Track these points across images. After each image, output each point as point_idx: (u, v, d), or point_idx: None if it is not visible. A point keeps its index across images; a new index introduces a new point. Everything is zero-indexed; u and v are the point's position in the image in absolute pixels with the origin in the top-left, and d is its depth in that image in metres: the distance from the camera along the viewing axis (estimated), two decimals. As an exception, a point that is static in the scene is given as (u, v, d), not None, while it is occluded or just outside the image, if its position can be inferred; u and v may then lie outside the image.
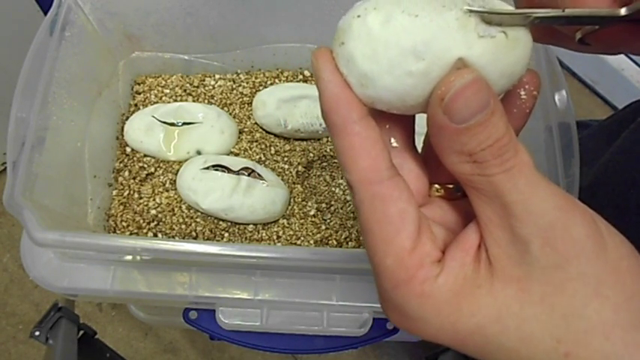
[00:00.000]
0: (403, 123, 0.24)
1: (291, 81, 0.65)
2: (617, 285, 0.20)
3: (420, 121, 0.24)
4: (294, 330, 0.48)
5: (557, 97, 0.45)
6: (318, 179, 0.61)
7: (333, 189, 0.60)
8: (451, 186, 0.25)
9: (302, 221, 0.57)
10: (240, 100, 0.63)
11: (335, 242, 0.56)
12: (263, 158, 0.60)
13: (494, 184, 0.20)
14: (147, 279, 0.45)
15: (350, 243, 0.57)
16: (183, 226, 0.56)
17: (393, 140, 0.24)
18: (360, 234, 0.56)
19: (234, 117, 0.62)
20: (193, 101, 0.63)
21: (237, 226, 0.56)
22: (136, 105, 0.63)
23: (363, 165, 0.21)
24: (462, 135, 0.20)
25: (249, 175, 0.56)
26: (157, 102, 0.63)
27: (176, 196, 0.57)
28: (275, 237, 0.56)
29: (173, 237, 0.55)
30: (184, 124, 0.59)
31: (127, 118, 0.61)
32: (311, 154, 0.61)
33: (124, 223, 0.56)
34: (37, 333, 0.51)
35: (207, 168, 0.55)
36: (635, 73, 1.14)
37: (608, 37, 0.24)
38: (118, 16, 0.57)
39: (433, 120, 0.20)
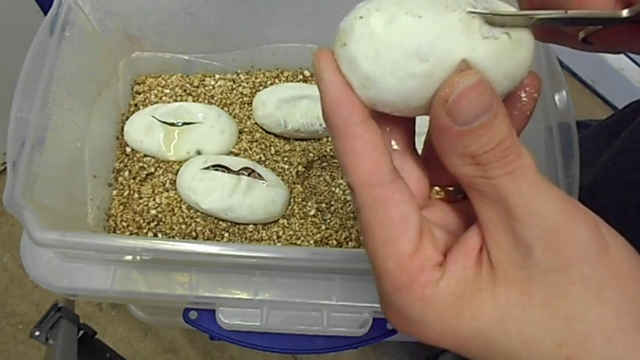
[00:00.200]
0: (404, 125, 0.24)
1: (291, 81, 0.65)
2: (618, 288, 0.20)
3: (420, 122, 0.24)
4: (294, 330, 0.48)
5: (557, 98, 0.45)
6: (318, 179, 0.61)
7: (333, 189, 0.60)
8: (451, 188, 0.25)
9: (302, 221, 0.57)
10: (240, 100, 0.63)
11: (335, 242, 0.56)
12: (263, 158, 0.60)
13: (496, 186, 0.20)
14: (147, 279, 0.45)
15: (350, 243, 0.57)
16: (183, 226, 0.56)
17: (393, 142, 0.24)
18: (361, 236, 0.56)
19: (234, 117, 0.62)
20: (193, 101, 0.63)
21: (237, 226, 0.56)
22: (136, 105, 0.63)
23: (364, 168, 0.21)
24: (464, 137, 0.19)
25: (249, 175, 0.56)
26: (157, 102, 0.63)
27: (176, 196, 0.57)
28: (275, 237, 0.56)
29: (173, 237, 0.55)
30: (184, 124, 0.59)
31: (127, 118, 0.61)
32: (311, 154, 0.61)
33: (124, 223, 0.56)
34: (37, 333, 0.51)
35: (207, 168, 0.55)
36: (635, 73, 1.14)
37: (610, 37, 0.24)
38: (118, 16, 0.57)
39: (436, 122, 0.20)
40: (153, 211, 0.56)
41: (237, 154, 0.60)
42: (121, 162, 0.60)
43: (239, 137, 0.61)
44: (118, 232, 0.56)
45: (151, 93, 0.63)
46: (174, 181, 0.58)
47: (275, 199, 0.55)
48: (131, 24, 0.58)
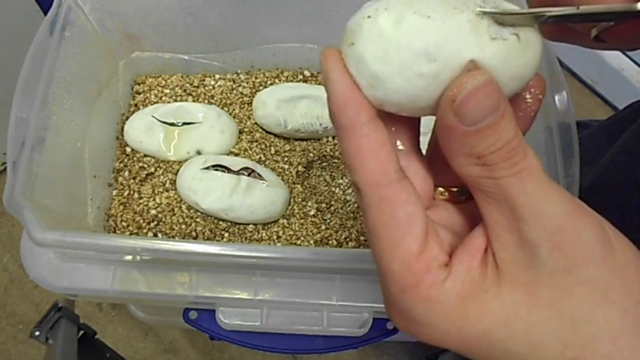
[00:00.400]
0: (409, 125, 0.24)
1: (291, 81, 0.65)
2: (624, 290, 0.20)
3: (423, 122, 0.24)
4: (294, 330, 0.48)
5: (557, 98, 0.45)
6: (318, 179, 0.61)
7: (333, 189, 0.60)
8: (455, 189, 0.25)
9: (302, 221, 0.57)
10: (240, 100, 0.63)
11: (335, 242, 0.56)
12: (263, 158, 0.60)
13: (502, 187, 0.20)
14: (147, 279, 0.45)
15: (350, 243, 0.57)
16: (183, 226, 0.56)
17: (399, 143, 0.23)
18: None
19: (234, 117, 0.62)
20: (193, 101, 0.63)
21: (237, 226, 0.56)
22: (136, 105, 0.63)
23: (370, 167, 0.20)
24: (471, 137, 0.19)
25: (249, 175, 0.56)
26: (157, 102, 0.63)
27: (176, 196, 0.57)
28: (275, 237, 0.56)
29: (173, 237, 0.55)
30: (184, 124, 0.59)
31: (127, 118, 0.61)
32: (311, 154, 0.61)
33: (124, 223, 0.56)
34: (37, 333, 0.51)
35: (207, 168, 0.55)
36: (635, 73, 1.14)
37: (623, 33, 0.24)
38: (118, 16, 0.57)
39: (443, 121, 0.20)
40: (153, 211, 0.56)
41: (237, 154, 0.60)
42: (121, 162, 0.60)
43: (239, 137, 0.61)
44: (118, 232, 0.56)
45: (151, 93, 0.63)
46: (174, 181, 0.58)
47: (275, 199, 0.55)
48: (131, 24, 0.58)
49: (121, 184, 0.58)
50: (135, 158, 0.59)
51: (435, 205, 0.24)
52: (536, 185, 0.20)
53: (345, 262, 0.41)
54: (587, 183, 0.53)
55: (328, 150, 0.61)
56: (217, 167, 0.56)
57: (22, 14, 0.85)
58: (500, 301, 0.20)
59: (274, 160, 0.60)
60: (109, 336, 0.94)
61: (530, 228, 0.20)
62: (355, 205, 0.59)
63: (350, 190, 0.60)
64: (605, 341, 0.20)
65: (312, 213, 0.58)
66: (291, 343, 0.50)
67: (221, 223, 0.56)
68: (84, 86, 0.54)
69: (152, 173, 0.59)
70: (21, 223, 0.39)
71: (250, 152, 0.60)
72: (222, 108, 0.62)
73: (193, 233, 0.56)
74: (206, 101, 0.63)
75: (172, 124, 0.59)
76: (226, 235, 0.56)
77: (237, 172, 0.55)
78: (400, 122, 0.23)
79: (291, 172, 0.60)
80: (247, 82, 0.64)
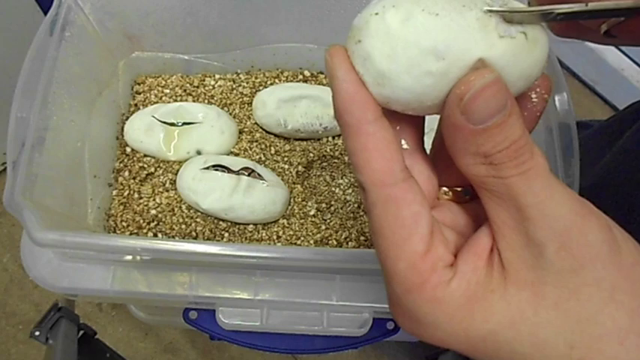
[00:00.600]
0: (414, 124, 0.23)
1: (291, 81, 0.65)
2: (631, 290, 0.20)
3: (427, 120, 0.24)
4: (294, 330, 0.48)
5: (557, 98, 0.45)
6: (318, 179, 0.61)
7: (333, 189, 0.60)
8: (459, 189, 0.25)
9: (302, 221, 0.57)
10: (240, 100, 0.63)
11: (335, 242, 0.56)
12: (263, 158, 0.60)
13: (509, 186, 0.20)
14: (147, 279, 0.45)
15: (350, 243, 0.57)
16: (183, 226, 0.56)
17: (403, 142, 0.23)
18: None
19: (234, 117, 0.62)
20: (193, 101, 0.63)
21: (237, 226, 0.56)
22: (136, 105, 0.63)
23: (376, 167, 0.20)
24: (478, 136, 0.19)
25: (249, 175, 0.56)
26: (157, 102, 0.63)
27: (176, 196, 0.57)
28: (275, 237, 0.56)
29: (173, 237, 0.55)
30: (184, 124, 0.59)
31: (127, 118, 0.61)
32: (311, 154, 0.61)
33: (124, 223, 0.56)
34: (37, 333, 0.51)
35: (207, 168, 0.55)
36: (635, 73, 1.14)
37: (634, 29, 0.24)
38: (118, 16, 0.57)
39: (449, 120, 0.20)
40: (153, 211, 0.56)
41: (237, 154, 0.60)
42: (121, 162, 0.60)
43: (239, 137, 0.61)
44: (118, 232, 0.56)
45: (151, 93, 0.63)
46: (174, 181, 0.58)
47: (275, 199, 0.55)
48: (131, 24, 0.58)
49: (121, 184, 0.58)
50: (135, 158, 0.59)
51: (439, 204, 0.24)
52: (543, 185, 0.19)
53: (345, 262, 0.41)
54: (588, 183, 0.53)
55: (328, 150, 0.61)
56: (217, 167, 0.56)
57: (22, 14, 0.85)
58: (506, 302, 0.20)
59: (274, 160, 0.60)
60: (109, 336, 0.94)
61: (537, 228, 0.19)
62: (355, 205, 0.59)
63: (350, 190, 0.60)
64: (612, 342, 0.19)
65: (312, 213, 0.58)
66: (291, 343, 0.50)
67: (221, 223, 0.56)
68: (84, 86, 0.54)
69: (152, 173, 0.59)
70: (21, 223, 0.39)
71: (250, 152, 0.60)
72: (222, 108, 0.62)
73: (193, 233, 0.56)
74: (206, 101, 0.63)
75: (172, 124, 0.59)
76: (226, 235, 0.56)
77: (237, 172, 0.55)
78: (405, 121, 0.23)
79: (291, 172, 0.60)
80: (247, 82, 0.64)
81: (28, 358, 0.92)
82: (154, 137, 0.59)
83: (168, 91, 0.63)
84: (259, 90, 0.63)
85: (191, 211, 0.57)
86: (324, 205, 0.59)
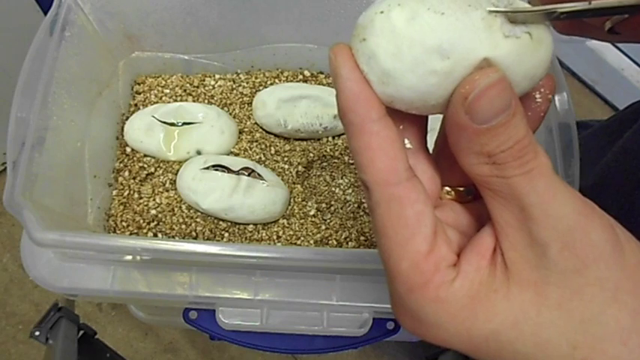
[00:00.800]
0: (417, 124, 0.23)
1: (291, 81, 0.65)
2: (634, 291, 0.20)
3: (430, 118, 0.24)
4: (294, 330, 0.48)
5: (557, 98, 0.45)
6: (318, 179, 0.61)
7: (333, 189, 0.60)
8: (462, 189, 0.24)
9: (302, 221, 0.57)
10: (240, 100, 0.63)
11: (335, 242, 0.56)
12: (263, 158, 0.60)
13: (512, 186, 0.20)
14: (147, 279, 0.45)
15: (350, 243, 0.57)
16: (183, 226, 0.56)
17: (406, 141, 0.23)
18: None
19: (234, 117, 0.62)
20: (193, 101, 0.63)
21: (237, 226, 0.56)
22: (136, 105, 0.63)
23: (380, 166, 0.20)
24: (482, 136, 0.19)
25: (249, 175, 0.56)
26: (157, 102, 0.63)
27: (176, 196, 0.57)
28: (275, 237, 0.56)
29: (173, 237, 0.55)
30: (184, 124, 0.59)
31: (127, 118, 0.61)
32: (311, 154, 0.61)
33: (124, 223, 0.56)
34: (37, 333, 0.51)
35: (207, 168, 0.55)
36: (635, 73, 1.14)
37: (638, 25, 0.24)
38: (118, 16, 0.57)
39: (453, 119, 0.20)
40: (153, 211, 0.56)
41: (237, 154, 0.60)
42: (121, 162, 0.60)
43: (239, 137, 0.61)
44: (118, 232, 0.56)
45: (150, 93, 0.63)
46: (174, 181, 0.58)
47: (275, 199, 0.55)
48: (131, 24, 0.58)
49: (121, 184, 0.58)
50: (135, 158, 0.59)
51: (441, 204, 0.24)
52: (547, 185, 0.19)
53: (345, 262, 0.41)
54: (589, 183, 0.53)
55: (328, 150, 0.61)
56: (217, 167, 0.56)
57: (22, 14, 0.85)
58: (509, 302, 0.20)
59: (274, 160, 0.60)
60: (109, 336, 0.94)
61: (540, 228, 0.19)
62: (355, 205, 0.59)
63: (350, 190, 0.60)
64: (615, 342, 0.19)
65: (312, 213, 0.58)
66: (291, 343, 0.50)
67: (221, 223, 0.56)
68: (84, 86, 0.54)
69: (152, 173, 0.59)
70: (21, 223, 0.39)
71: (250, 152, 0.60)
72: (222, 108, 0.62)
73: (193, 233, 0.56)
74: (206, 101, 0.63)
75: (172, 124, 0.59)
76: (226, 235, 0.56)
77: (237, 172, 0.55)
78: (408, 120, 0.23)
79: (291, 172, 0.60)
80: (247, 82, 0.64)
81: (28, 358, 0.92)
82: (154, 137, 0.59)
83: (168, 91, 0.63)
84: (259, 90, 0.63)
85: (191, 211, 0.57)
86: (324, 205, 0.59)
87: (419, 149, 0.23)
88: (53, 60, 0.47)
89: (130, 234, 0.56)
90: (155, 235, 0.56)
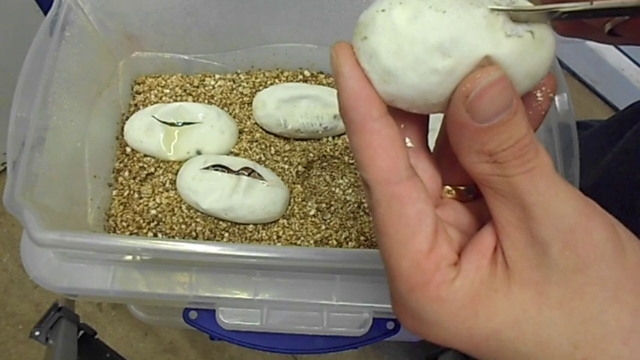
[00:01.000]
0: (418, 122, 0.23)
1: (291, 81, 0.65)
2: (635, 290, 0.20)
3: (431, 118, 0.24)
4: (294, 330, 0.48)
5: (557, 99, 0.45)
6: (318, 179, 0.61)
7: (333, 189, 0.60)
8: (463, 188, 0.24)
9: (302, 221, 0.57)
10: (240, 100, 0.63)
11: (335, 242, 0.56)
12: (263, 158, 0.60)
13: (513, 184, 0.20)
14: (147, 279, 0.45)
15: (350, 243, 0.57)
16: (183, 226, 0.56)
17: (407, 140, 0.23)
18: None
19: (234, 117, 0.62)
20: (193, 101, 0.63)
21: (237, 226, 0.56)
22: (136, 105, 0.63)
23: (381, 164, 0.20)
24: (483, 134, 0.19)
25: (249, 175, 0.56)
26: (157, 102, 0.63)
27: (176, 196, 0.57)
28: (275, 237, 0.56)
29: (173, 237, 0.55)
30: (184, 124, 0.59)
31: (127, 118, 0.61)
32: (311, 154, 0.61)
33: (124, 223, 0.56)
34: (37, 333, 0.51)
35: (207, 168, 0.55)
36: (635, 73, 1.14)
37: (638, 27, 0.24)
38: (118, 16, 0.57)
39: (454, 117, 0.20)
40: (153, 211, 0.56)
41: (237, 154, 0.60)
42: (121, 162, 0.60)
43: (239, 137, 0.61)
44: (118, 232, 0.56)
45: (151, 93, 0.63)
46: (174, 181, 0.58)
47: (275, 199, 0.55)
48: (131, 24, 0.58)
49: (121, 184, 0.58)
50: (135, 158, 0.59)
51: (442, 203, 0.24)
52: (548, 183, 0.19)
53: (345, 262, 0.41)
54: (589, 183, 0.53)
55: (328, 150, 0.61)
56: (217, 167, 0.56)
57: (22, 14, 0.85)
58: (510, 301, 0.20)
59: (274, 160, 0.60)
60: (109, 336, 0.94)
61: (542, 226, 0.19)
62: (355, 205, 0.59)
63: (350, 190, 0.60)
64: (615, 342, 0.19)
65: (312, 213, 0.58)
66: (291, 343, 0.50)
67: (221, 223, 0.56)
68: (84, 86, 0.54)
69: (152, 173, 0.59)
70: (21, 223, 0.39)
71: (250, 152, 0.60)
72: (222, 108, 0.62)
73: (193, 233, 0.56)
74: (206, 101, 0.63)
75: (172, 124, 0.59)
76: (226, 235, 0.56)
77: (237, 172, 0.55)
78: (409, 119, 0.23)
79: (291, 172, 0.60)
80: (247, 82, 0.64)
81: (28, 358, 0.92)
82: (154, 137, 0.59)
83: (168, 91, 0.63)
84: (259, 90, 0.63)
85: (191, 211, 0.57)
86: (324, 205, 0.59)
87: (420, 148, 0.23)
88: (53, 60, 0.47)
89: (130, 234, 0.56)
90: (155, 235, 0.56)
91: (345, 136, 0.62)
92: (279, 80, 0.65)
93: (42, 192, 0.43)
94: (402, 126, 0.23)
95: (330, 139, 0.62)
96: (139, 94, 0.64)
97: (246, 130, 0.62)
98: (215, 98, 0.63)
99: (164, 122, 0.59)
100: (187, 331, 0.94)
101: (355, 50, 0.21)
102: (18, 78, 0.44)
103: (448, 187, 0.25)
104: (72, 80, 0.50)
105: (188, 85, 0.64)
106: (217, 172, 0.55)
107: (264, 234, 0.56)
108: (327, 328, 0.47)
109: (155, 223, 0.56)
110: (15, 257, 0.98)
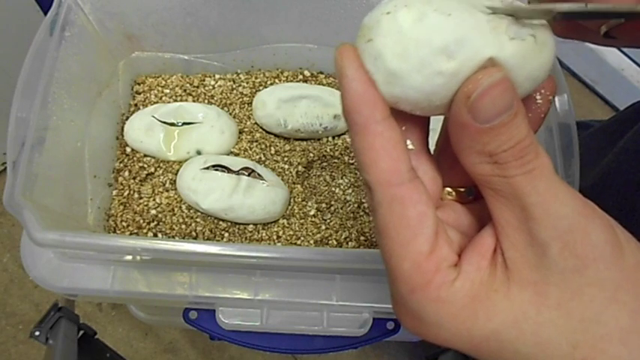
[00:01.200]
0: (420, 125, 0.24)
1: (291, 81, 0.65)
2: (634, 291, 0.20)
3: (431, 119, 0.24)
4: (294, 330, 0.48)
5: (557, 99, 0.45)
6: (318, 179, 0.61)
7: (333, 189, 0.60)
8: (463, 189, 0.25)
9: (302, 221, 0.57)
10: (240, 100, 0.63)
11: (335, 242, 0.56)
12: (263, 158, 0.60)
13: (513, 185, 0.20)
14: (147, 279, 0.45)
15: (350, 243, 0.57)
16: (183, 226, 0.56)
17: (409, 142, 0.23)
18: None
19: (234, 117, 0.62)
20: (193, 101, 0.63)
21: (237, 226, 0.56)
22: (136, 105, 0.63)
23: (383, 166, 0.20)
24: (484, 135, 0.19)
25: (249, 175, 0.56)
26: (157, 102, 0.63)
27: (176, 196, 0.57)
28: (275, 237, 0.56)
29: (173, 237, 0.55)
30: (184, 124, 0.59)
31: (127, 118, 0.61)
32: (311, 154, 0.61)
33: (124, 223, 0.56)
34: (37, 333, 0.51)
35: (207, 168, 0.55)
36: (635, 73, 1.14)
37: (633, 31, 0.24)
38: (118, 16, 0.57)
39: (456, 118, 0.20)
40: (153, 211, 0.56)
41: (237, 154, 0.60)
42: (121, 162, 0.60)
43: (239, 137, 0.61)
44: (118, 232, 0.56)
45: (151, 93, 0.63)
46: (174, 181, 0.58)
47: (275, 199, 0.55)
48: (131, 24, 0.58)
49: (121, 184, 0.58)
50: (135, 158, 0.59)
51: (442, 205, 0.24)
52: (548, 184, 0.20)
53: (345, 262, 0.41)
54: (589, 183, 0.53)
55: (328, 150, 0.61)
56: (217, 167, 0.56)
57: (22, 14, 0.85)
58: (509, 302, 0.20)
59: (274, 160, 0.60)
60: (109, 336, 0.94)
61: (541, 227, 0.20)
62: (355, 205, 0.59)
63: (350, 190, 0.60)
64: (614, 342, 0.19)
65: (312, 213, 0.58)
66: (291, 343, 0.50)
67: (221, 223, 0.56)
68: (84, 86, 0.54)
69: (152, 173, 0.59)
70: (21, 223, 0.39)
71: (250, 152, 0.60)
72: (222, 108, 0.62)
73: (193, 233, 0.56)
74: (206, 101, 0.63)
75: (172, 124, 0.59)
76: (226, 235, 0.56)
77: (237, 172, 0.55)
78: (411, 121, 0.23)
79: (291, 172, 0.60)
80: (247, 82, 0.64)
81: (28, 358, 0.92)
82: (154, 137, 0.59)
83: (168, 91, 0.63)
84: (259, 90, 0.63)
85: (191, 211, 0.57)
86: (324, 205, 0.59)
87: (421, 150, 0.24)
88: (53, 60, 0.47)
89: (130, 234, 0.56)
90: (155, 235, 0.56)
91: (345, 136, 0.62)
92: (279, 80, 0.65)
93: (42, 192, 0.43)
94: (404, 128, 0.23)
95: (330, 139, 0.62)
96: (139, 94, 0.64)
97: (246, 130, 0.62)
98: (215, 98, 0.63)
99: (164, 122, 0.59)
100: (187, 331, 0.94)
101: (359, 52, 0.21)
102: (18, 78, 0.44)
103: (448, 189, 0.25)
104: (72, 80, 0.50)
105: (188, 85, 0.64)
106: (217, 172, 0.55)
107: (264, 234, 0.56)
108: (327, 328, 0.47)
109: (155, 223, 0.56)
110: (15, 257, 0.98)
